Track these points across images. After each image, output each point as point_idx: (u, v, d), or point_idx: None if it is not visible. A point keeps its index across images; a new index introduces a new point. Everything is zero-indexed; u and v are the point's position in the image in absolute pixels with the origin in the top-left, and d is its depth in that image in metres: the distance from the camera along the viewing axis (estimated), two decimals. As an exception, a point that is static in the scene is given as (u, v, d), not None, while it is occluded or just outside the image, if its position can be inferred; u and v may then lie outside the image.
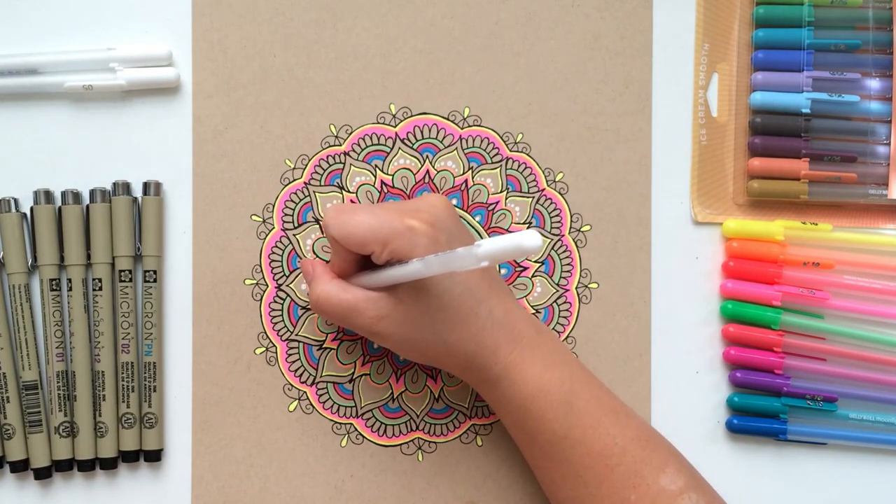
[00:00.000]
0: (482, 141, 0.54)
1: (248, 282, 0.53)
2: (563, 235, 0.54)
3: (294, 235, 0.53)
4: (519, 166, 0.54)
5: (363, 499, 0.53)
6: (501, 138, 0.54)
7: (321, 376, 0.53)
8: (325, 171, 0.54)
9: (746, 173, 0.55)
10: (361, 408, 0.54)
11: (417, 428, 0.54)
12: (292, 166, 0.54)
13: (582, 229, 0.54)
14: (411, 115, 0.54)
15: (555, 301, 0.54)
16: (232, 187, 0.53)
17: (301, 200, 0.54)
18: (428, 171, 0.54)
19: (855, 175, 0.54)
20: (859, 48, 0.54)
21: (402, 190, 0.54)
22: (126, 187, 0.52)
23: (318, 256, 0.53)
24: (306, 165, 0.54)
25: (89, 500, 0.53)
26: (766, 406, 0.53)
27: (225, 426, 0.53)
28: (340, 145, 0.54)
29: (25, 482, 0.52)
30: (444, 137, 0.54)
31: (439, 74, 0.54)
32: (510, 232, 0.54)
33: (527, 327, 0.48)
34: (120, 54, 0.52)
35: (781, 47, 0.54)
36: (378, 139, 0.54)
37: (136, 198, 0.53)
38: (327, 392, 0.53)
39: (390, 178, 0.54)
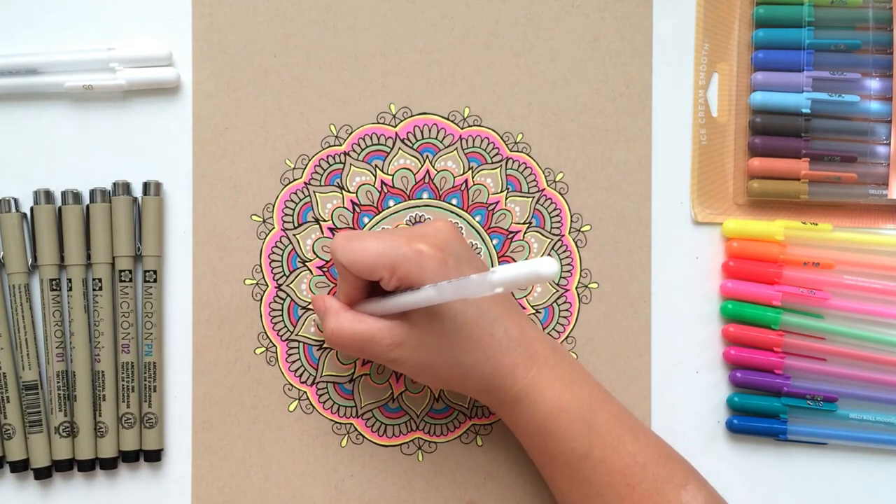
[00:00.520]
0: (482, 141, 0.54)
1: (248, 282, 0.53)
2: (563, 235, 0.54)
3: (294, 235, 0.53)
4: (519, 166, 0.54)
5: (363, 499, 0.53)
6: (501, 138, 0.54)
7: (321, 376, 0.53)
8: (325, 171, 0.54)
9: (746, 173, 0.55)
10: (361, 408, 0.54)
11: (417, 428, 0.54)
12: (292, 166, 0.54)
13: (582, 229, 0.54)
14: (411, 115, 0.54)
15: (555, 301, 0.54)
16: (232, 187, 0.53)
17: (301, 200, 0.54)
18: (428, 171, 0.54)
19: (855, 175, 0.54)
20: (859, 48, 0.54)
21: (402, 190, 0.54)
22: (126, 187, 0.52)
23: (317, 256, 0.53)
24: (306, 165, 0.54)
25: (89, 500, 0.53)
26: (766, 406, 0.53)
27: (225, 426, 0.53)
28: (340, 145, 0.54)
29: (25, 482, 0.52)
30: (444, 137, 0.54)
31: (439, 74, 0.54)
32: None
33: (543, 346, 0.48)
34: (120, 54, 0.52)
35: (781, 47, 0.54)
36: (378, 139, 0.54)
37: (136, 198, 0.53)
38: (327, 392, 0.53)
39: (390, 178, 0.54)
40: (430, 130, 0.54)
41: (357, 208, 0.54)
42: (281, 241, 0.53)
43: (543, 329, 0.54)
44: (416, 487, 0.53)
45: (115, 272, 0.52)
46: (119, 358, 0.52)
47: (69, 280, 0.51)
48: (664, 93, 0.55)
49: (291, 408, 0.53)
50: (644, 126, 0.55)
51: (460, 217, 0.54)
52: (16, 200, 0.52)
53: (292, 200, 0.54)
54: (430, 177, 0.54)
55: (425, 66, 0.54)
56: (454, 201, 0.54)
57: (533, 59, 0.54)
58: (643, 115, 0.55)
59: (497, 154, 0.54)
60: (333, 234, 0.53)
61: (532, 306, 0.54)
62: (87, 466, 0.52)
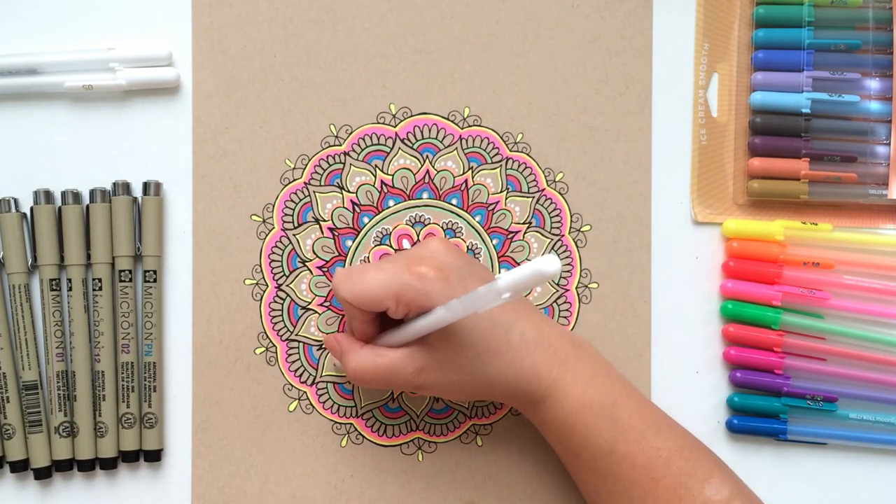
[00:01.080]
0: (482, 141, 0.54)
1: (248, 282, 0.53)
2: (563, 235, 0.54)
3: (294, 235, 0.53)
4: (519, 166, 0.54)
5: (363, 499, 0.53)
6: (501, 138, 0.54)
7: (321, 376, 0.53)
8: (325, 171, 0.54)
9: (746, 173, 0.55)
10: (361, 408, 0.54)
11: (417, 428, 0.54)
12: (292, 166, 0.54)
13: (582, 229, 0.54)
14: (411, 115, 0.54)
15: (555, 301, 0.54)
16: (232, 187, 0.53)
17: (301, 200, 0.54)
18: (428, 171, 0.54)
19: (855, 175, 0.54)
20: (859, 48, 0.54)
21: (402, 190, 0.54)
22: (126, 187, 0.52)
23: (316, 256, 0.53)
24: (306, 165, 0.54)
25: (89, 500, 0.53)
26: (766, 406, 0.53)
27: (225, 426, 0.53)
28: (340, 145, 0.54)
29: (25, 482, 0.52)
30: (444, 137, 0.54)
31: (439, 74, 0.54)
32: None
33: (563, 343, 0.48)
34: (120, 54, 0.52)
35: (781, 47, 0.54)
36: (378, 139, 0.54)
37: (136, 198, 0.53)
38: (327, 392, 0.53)
39: (390, 178, 0.54)
40: (430, 130, 0.54)
41: (357, 208, 0.54)
42: (281, 241, 0.53)
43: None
44: (416, 487, 0.53)
45: (115, 272, 0.52)
46: (119, 358, 0.52)
47: (69, 280, 0.51)
48: (664, 93, 0.55)
49: (291, 408, 0.53)
50: (644, 126, 0.55)
51: (460, 217, 0.54)
52: (16, 200, 0.52)
53: (292, 200, 0.54)
54: (430, 177, 0.54)
55: (425, 66, 0.54)
56: (454, 201, 0.54)
57: (533, 59, 0.54)
58: (643, 115, 0.55)
59: (497, 154, 0.54)
60: (333, 234, 0.53)
61: (532, 306, 0.54)
62: (87, 466, 0.52)
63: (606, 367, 0.48)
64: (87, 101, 0.53)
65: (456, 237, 0.54)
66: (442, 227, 0.54)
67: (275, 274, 0.53)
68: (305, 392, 0.53)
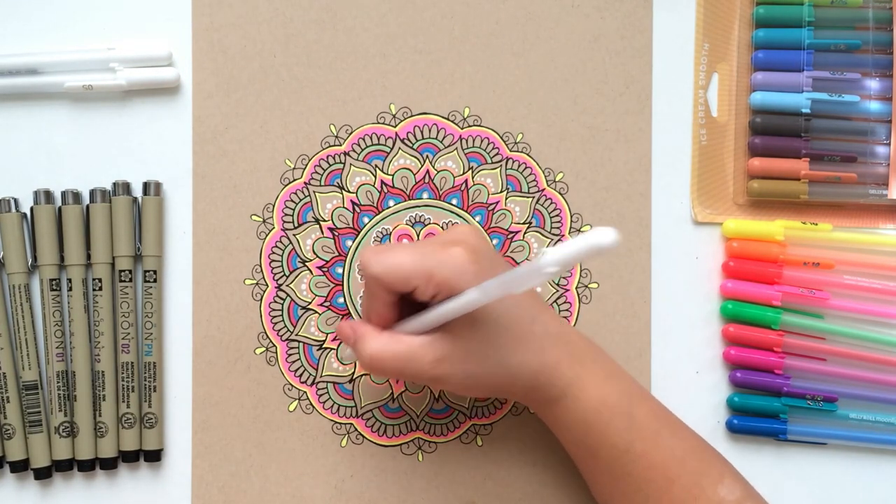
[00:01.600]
0: (482, 141, 0.54)
1: (248, 282, 0.53)
2: (563, 235, 0.54)
3: (294, 235, 0.53)
4: (519, 166, 0.54)
5: (363, 499, 0.53)
6: (501, 138, 0.54)
7: (321, 376, 0.53)
8: (325, 171, 0.54)
9: (746, 173, 0.55)
10: (361, 408, 0.54)
11: (417, 428, 0.54)
12: (292, 166, 0.54)
13: (582, 229, 0.54)
14: (411, 115, 0.54)
15: (555, 301, 0.54)
16: (232, 187, 0.53)
17: (301, 200, 0.54)
18: (428, 171, 0.54)
19: (855, 175, 0.54)
20: (859, 48, 0.54)
21: (402, 190, 0.54)
22: (126, 187, 0.52)
23: (316, 256, 0.53)
24: (306, 165, 0.54)
25: (89, 500, 0.53)
26: (766, 406, 0.53)
27: (225, 426, 0.53)
28: (340, 145, 0.54)
29: (25, 482, 0.52)
30: (444, 137, 0.54)
31: (439, 74, 0.54)
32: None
33: (580, 340, 0.47)
34: (120, 54, 0.52)
35: (781, 47, 0.54)
36: (378, 139, 0.54)
37: (136, 198, 0.53)
38: (327, 392, 0.53)
39: (390, 178, 0.54)
40: (430, 130, 0.54)
41: (357, 208, 0.54)
42: (281, 241, 0.53)
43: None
44: (416, 487, 0.53)
45: (115, 272, 0.52)
46: (119, 358, 0.52)
47: (69, 280, 0.51)
48: (664, 93, 0.55)
49: (291, 408, 0.53)
50: (644, 126, 0.55)
51: (460, 217, 0.54)
52: (16, 200, 0.52)
53: (292, 200, 0.54)
54: (430, 177, 0.54)
55: (425, 66, 0.54)
56: (454, 201, 0.54)
57: (533, 59, 0.54)
58: (643, 115, 0.55)
59: (497, 154, 0.54)
60: (333, 234, 0.53)
61: (532, 306, 0.54)
62: (87, 466, 0.52)
63: (619, 368, 0.48)
64: (87, 101, 0.53)
65: (456, 237, 0.54)
66: (442, 228, 0.54)
67: (275, 274, 0.53)
68: (305, 392, 0.53)
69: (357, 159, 0.54)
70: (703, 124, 0.55)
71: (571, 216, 0.54)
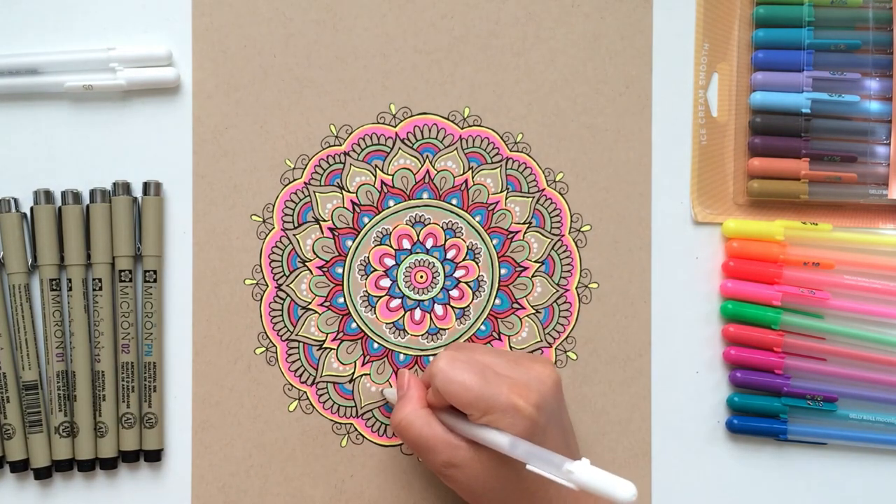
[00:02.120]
0: (482, 141, 0.54)
1: (248, 282, 0.53)
2: (563, 235, 0.54)
3: (294, 235, 0.53)
4: (519, 166, 0.54)
5: (363, 499, 0.53)
6: (501, 138, 0.54)
7: (321, 376, 0.53)
8: (325, 171, 0.54)
9: (746, 173, 0.55)
10: (361, 408, 0.54)
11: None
12: (292, 166, 0.54)
13: (582, 229, 0.54)
14: (411, 115, 0.54)
15: (555, 301, 0.54)
16: (232, 187, 0.53)
17: (301, 200, 0.54)
18: (428, 171, 0.54)
19: (855, 175, 0.54)
20: (859, 48, 0.54)
21: (402, 190, 0.54)
22: (126, 187, 0.52)
23: (316, 256, 0.53)
24: (306, 165, 0.54)
25: (89, 500, 0.53)
26: (766, 406, 0.53)
27: (225, 426, 0.53)
28: (340, 145, 0.54)
29: (25, 482, 0.52)
30: (444, 137, 0.54)
31: (439, 74, 0.54)
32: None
33: None
34: (120, 54, 0.52)
35: (781, 47, 0.54)
36: (378, 139, 0.54)
37: (136, 198, 0.53)
38: (327, 392, 0.53)
39: (390, 178, 0.54)
40: (430, 130, 0.54)
41: (357, 208, 0.54)
42: (281, 241, 0.53)
43: (544, 329, 0.54)
44: (416, 487, 0.53)
45: (115, 272, 0.52)
46: (119, 358, 0.52)
47: (69, 280, 0.51)
48: (664, 93, 0.55)
49: (291, 408, 0.53)
50: (644, 126, 0.55)
51: (460, 217, 0.54)
52: (16, 200, 0.52)
53: (292, 200, 0.54)
54: (430, 177, 0.54)
55: (425, 66, 0.54)
56: (454, 201, 0.54)
57: (533, 59, 0.54)
58: (643, 115, 0.55)
59: (497, 154, 0.54)
60: (333, 234, 0.53)
61: (532, 306, 0.54)
62: (87, 466, 0.52)
63: None
64: (87, 101, 0.53)
65: (456, 237, 0.54)
66: (442, 228, 0.54)
67: (275, 274, 0.53)
68: (305, 392, 0.53)
69: (357, 159, 0.54)
70: (703, 124, 0.55)
71: (571, 216, 0.54)
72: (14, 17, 0.53)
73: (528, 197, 0.54)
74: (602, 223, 0.54)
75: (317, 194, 0.54)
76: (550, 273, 0.54)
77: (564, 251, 0.54)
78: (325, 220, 0.54)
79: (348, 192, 0.54)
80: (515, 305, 0.54)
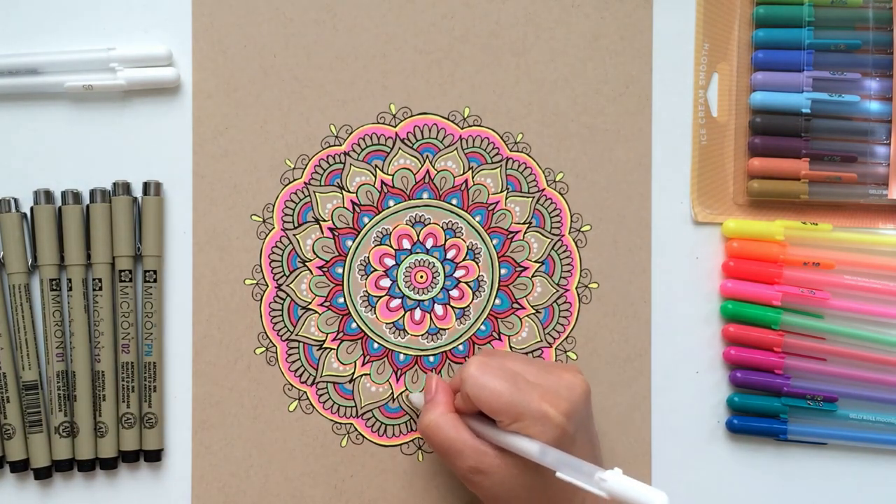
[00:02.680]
0: (482, 141, 0.54)
1: (248, 282, 0.53)
2: (563, 235, 0.54)
3: (294, 235, 0.53)
4: (519, 166, 0.54)
5: (363, 499, 0.53)
6: (501, 138, 0.54)
7: (321, 376, 0.53)
8: (325, 171, 0.54)
9: (746, 173, 0.55)
10: (361, 408, 0.54)
11: (418, 428, 0.54)
12: (292, 166, 0.54)
13: (582, 229, 0.54)
14: (411, 115, 0.54)
15: (555, 301, 0.54)
16: (232, 187, 0.53)
17: (301, 200, 0.54)
18: (428, 171, 0.54)
19: (855, 175, 0.54)
20: (859, 48, 0.54)
21: (402, 190, 0.54)
22: (126, 187, 0.52)
23: (316, 256, 0.53)
24: (306, 165, 0.54)
25: (89, 500, 0.53)
26: (766, 406, 0.53)
27: (225, 426, 0.53)
28: (340, 145, 0.54)
29: (25, 482, 0.52)
30: (444, 137, 0.54)
31: (439, 74, 0.54)
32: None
33: None
34: (120, 54, 0.52)
35: (781, 47, 0.54)
36: (378, 139, 0.54)
37: (136, 198, 0.53)
38: (327, 392, 0.53)
39: (390, 178, 0.54)
40: (430, 130, 0.54)
41: (357, 208, 0.54)
42: (281, 241, 0.53)
43: (544, 329, 0.54)
44: (416, 487, 0.53)
45: (115, 272, 0.52)
46: (119, 358, 0.52)
47: (69, 280, 0.51)
48: (664, 93, 0.55)
49: (291, 408, 0.53)
50: (644, 126, 0.55)
51: (460, 217, 0.54)
52: (16, 200, 0.52)
53: (292, 200, 0.54)
54: (430, 177, 0.54)
55: (425, 66, 0.54)
56: (454, 201, 0.54)
57: (533, 59, 0.54)
58: (643, 115, 0.55)
59: (497, 154, 0.54)
60: (333, 234, 0.53)
61: (532, 306, 0.54)
62: (87, 466, 0.52)
63: None
64: (87, 101, 0.53)
65: (456, 237, 0.54)
66: (442, 228, 0.54)
67: (275, 274, 0.53)
68: (305, 392, 0.53)
69: (357, 159, 0.54)
70: (703, 124, 0.55)
71: (571, 216, 0.54)
72: (14, 17, 0.53)
73: (528, 197, 0.54)
74: (602, 223, 0.54)
75: (317, 194, 0.54)
76: (550, 273, 0.54)
77: (564, 251, 0.54)
78: (325, 220, 0.54)
79: (348, 192, 0.54)
80: (515, 305, 0.54)
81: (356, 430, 0.53)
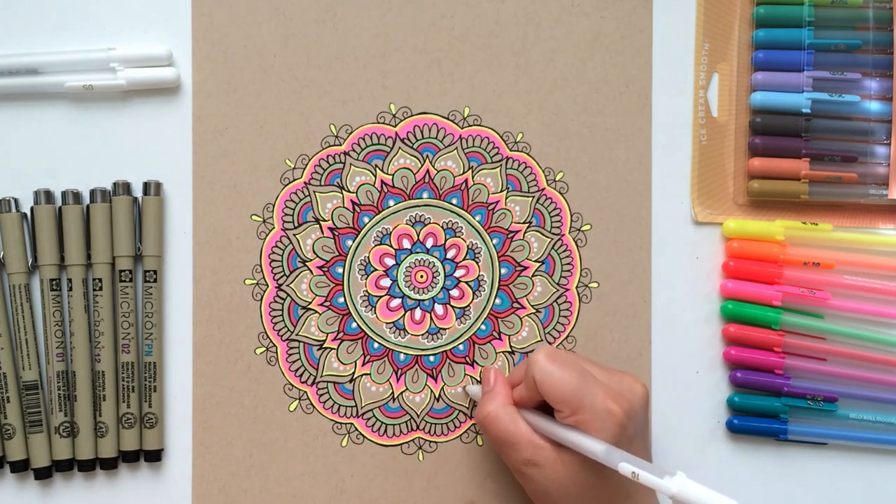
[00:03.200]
0: (482, 140, 0.54)
1: (248, 282, 0.53)
2: (563, 235, 0.54)
3: (294, 235, 0.53)
4: (519, 166, 0.54)
5: (363, 499, 0.53)
6: (501, 138, 0.54)
7: (321, 376, 0.53)
8: (325, 170, 0.54)
9: (746, 173, 0.55)
10: (361, 408, 0.54)
11: (418, 428, 0.54)
12: (292, 166, 0.54)
13: (582, 229, 0.54)
14: (411, 115, 0.54)
15: (555, 301, 0.54)
16: (232, 187, 0.53)
17: (301, 200, 0.54)
18: (428, 171, 0.54)
19: (855, 175, 0.54)
20: (859, 48, 0.54)
21: (402, 189, 0.54)
22: (126, 187, 0.52)
23: (317, 256, 0.53)
24: (306, 165, 0.54)
25: (89, 500, 0.53)
26: (767, 406, 0.53)
27: (225, 426, 0.53)
28: (340, 145, 0.54)
29: (25, 482, 0.52)
30: (444, 137, 0.54)
31: (439, 74, 0.54)
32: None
33: None
34: (120, 54, 0.52)
35: (782, 47, 0.54)
36: (378, 139, 0.54)
37: (136, 198, 0.53)
38: (327, 392, 0.53)
39: (390, 177, 0.54)
40: (430, 130, 0.54)
41: (357, 208, 0.54)
42: (281, 241, 0.53)
43: (544, 328, 0.54)
44: (416, 487, 0.53)
45: (116, 272, 0.52)
46: (119, 358, 0.52)
47: (69, 280, 0.51)
48: (664, 93, 0.55)
49: (291, 408, 0.53)
50: (644, 126, 0.55)
51: (460, 217, 0.54)
52: (16, 200, 0.52)
53: (292, 200, 0.54)
54: (430, 176, 0.54)
55: (425, 66, 0.54)
56: (454, 201, 0.54)
57: (533, 58, 0.54)
58: (643, 114, 0.55)
59: (497, 154, 0.54)
60: (333, 234, 0.53)
61: (532, 306, 0.54)
62: (87, 466, 0.52)
63: None
64: (87, 101, 0.53)
65: (456, 237, 0.54)
66: (442, 227, 0.54)
67: (275, 274, 0.53)
68: (306, 392, 0.53)
69: (357, 159, 0.54)
70: (703, 124, 0.55)
71: (571, 216, 0.54)
72: (14, 17, 0.53)
73: (528, 196, 0.54)
74: (602, 223, 0.54)
75: (317, 194, 0.54)
76: (550, 273, 0.54)
77: (564, 251, 0.54)
78: (325, 220, 0.54)
79: (348, 191, 0.54)
80: (515, 305, 0.54)
81: (356, 429, 0.53)
